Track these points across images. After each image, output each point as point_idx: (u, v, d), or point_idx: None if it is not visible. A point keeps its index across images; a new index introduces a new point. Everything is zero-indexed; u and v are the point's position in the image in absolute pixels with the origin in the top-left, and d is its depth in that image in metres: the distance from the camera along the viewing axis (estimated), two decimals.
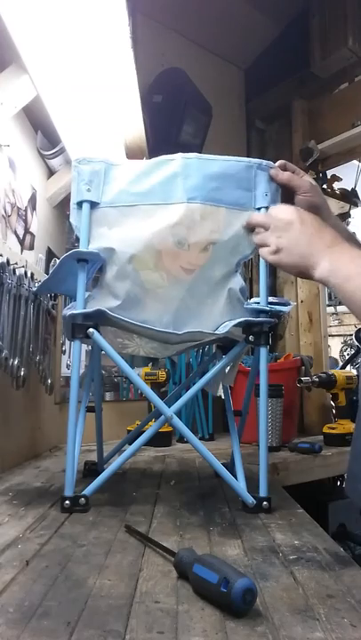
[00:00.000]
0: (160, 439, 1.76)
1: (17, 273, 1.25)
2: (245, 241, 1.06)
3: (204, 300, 1.08)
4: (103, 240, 1.02)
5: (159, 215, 1.01)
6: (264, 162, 1.03)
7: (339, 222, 1.00)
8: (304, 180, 0.96)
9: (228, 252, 1.06)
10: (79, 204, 1.02)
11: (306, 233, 0.81)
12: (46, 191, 1.67)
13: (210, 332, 1.05)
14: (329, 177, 2.53)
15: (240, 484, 0.99)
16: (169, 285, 1.05)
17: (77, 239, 1.03)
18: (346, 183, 2.65)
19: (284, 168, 1.01)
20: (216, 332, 1.05)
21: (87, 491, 0.94)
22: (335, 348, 7.02)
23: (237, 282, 1.09)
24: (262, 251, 0.87)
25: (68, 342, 1.76)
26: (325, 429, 1.98)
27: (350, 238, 0.89)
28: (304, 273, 0.81)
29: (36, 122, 1.51)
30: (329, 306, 3.81)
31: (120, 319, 0.99)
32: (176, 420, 0.98)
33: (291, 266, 0.83)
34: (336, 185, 2.58)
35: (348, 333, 6.85)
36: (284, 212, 0.86)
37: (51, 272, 1.10)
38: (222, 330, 1.03)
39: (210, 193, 1.01)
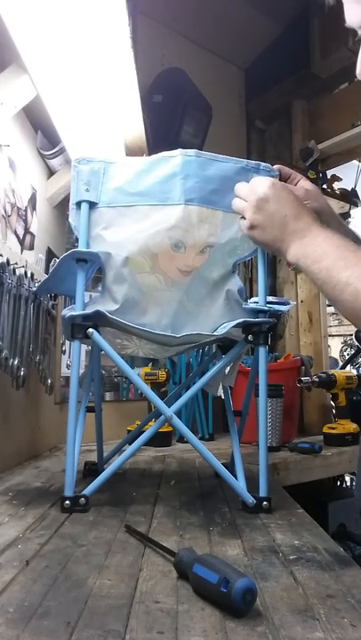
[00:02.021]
0: (160, 439, 1.76)
1: (17, 273, 1.25)
2: (243, 243, 1.06)
3: (202, 302, 1.08)
4: (101, 241, 1.02)
5: (156, 216, 1.01)
6: (262, 164, 1.03)
7: (342, 224, 0.99)
8: (299, 187, 0.94)
9: (225, 254, 1.07)
10: (78, 205, 1.03)
11: (280, 213, 0.80)
12: (46, 191, 1.67)
13: (208, 334, 1.05)
14: (329, 177, 2.53)
15: (240, 484, 0.99)
16: (166, 288, 1.05)
17: (77, 239, 1.03)
18: (346, 183, 2.65)
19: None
20: (215, 333, 1.05)
21: (87, 491, 0.94)
22: (335, 348, 7.02)
23: (235, 283, 1.09)
24: (241, 222, 0.87)
25: (68, 342, 1.75)
26: (325, 429, 1.98)
27: (356, 240, 0.87)
28: (278, 253, 0.81)
29: (36, 122, 1.51)
30: (329, 306, 3.81)
31: (118, 321, 0.99)
32: (176, 420, 0.98)
33: (264, 244, 0.83)
34: (336, 185, 2.58)
35: (348, 333, 6.86)
36: (261, 186, 0.84)
37: (50, 272, 1.10)
38: (221, 331, 1.03)
39: (208, 195, 1.02)
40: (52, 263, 1.66)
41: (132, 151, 1.57)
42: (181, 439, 1.85)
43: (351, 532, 1.86)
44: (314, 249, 0.74)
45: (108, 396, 2.01)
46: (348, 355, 6.13)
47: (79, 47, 1.14)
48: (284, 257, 0.79)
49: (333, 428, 1.95)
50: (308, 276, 0.75)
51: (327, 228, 0.77)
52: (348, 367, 2.87)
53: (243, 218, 0.87)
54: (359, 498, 0.81)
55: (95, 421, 1.23)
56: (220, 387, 1.25)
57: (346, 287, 0.67)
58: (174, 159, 1.02)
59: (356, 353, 3.20)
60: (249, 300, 1.15)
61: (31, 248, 1.52)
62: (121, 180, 1.03)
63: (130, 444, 1.01)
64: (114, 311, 1.00)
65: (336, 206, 2.61)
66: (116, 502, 1.01)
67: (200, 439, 1.87)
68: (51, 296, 1.55)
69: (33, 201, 1.53)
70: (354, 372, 2.38)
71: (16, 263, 1.26)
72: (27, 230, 1.48)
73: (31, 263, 1.43)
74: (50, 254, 1.69)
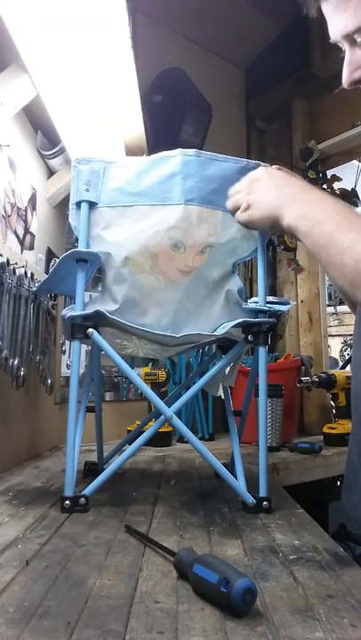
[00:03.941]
0: (160, 439, 1.76)
1: (17, 273, 1.25)
2: (243, 243, 1.06)
3: (201, 302, 1.08)
4: (101, 241, 1.02)
5: (156, 216, 1.01)
6: (261, 164, 1.03)
7: None
8: None
9: (225, 254, 1.07)
10: (78, 205, 1.03)
11: (273, 184, 0.82)
12: (46, 191, 1.67)
13: (208, 334, 1.05)
14: (329, 177, 2.53)
15: (240, 484, 0.99)
16: (166, 288, 1.05)
17: (77, 239, 1.03)
18: (346, 183, 2.65)
19: None
20: (215, 333, 1.05)
21: (87, 491, 0.94)
22: (335, 348, 7.01)
23: (235, 283, 1.09)
24: (236, 214, 0.89)
25: (68, 342, 1.75)
26: (325, 429, 1.98)
27: None
28: (275, 225, 0.81)
29: (36, 122, 1.51)
30: (329, 306, 3.81)
31: (118, 321, 0.99)
32: (176, 420, 0.98)
33: (261, 219, 0.83)
34: (336, 185, 2.58)
35: (348, 333, 6.85)
36: (253, 172, 0.88)
37: (50, 272, 1.10)
38: (221, 331, 1.03)
39: (208, 195, 1.02)
40: (52, 263, 1.66)
41: (132, 151, 1.57)
42: (181, 439, 1.85)
43: (351, 531, 1.86)
44: (317, 212, 0.72)
45: (108, 395, 2.01)
46: (348, 355, 6.12)
47: (79, 47, 1.14)
48: (281, 224, 0.78)
49: (333, 428, 1.95)
50: (305, 240, 0.73)
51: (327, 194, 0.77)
52: (348, 367, 2.86)
53: (235, 210, 0.89)
54: (345, 503, 0.80)
55: (95, 421, 1.23)
56: (221, 387, 1.25)
57: (348, 251, 0.65)
58: (174, 159, 1.02)
59: None
60: (249, 300, 1.15)
61: (31, 248, 1.52)
62: (121, 180, 1.03)
63: (130, 444, 1.01)
64: (114, 311, 1.00)
65: None
66: (116, 502, 1.01)
67: (200, 439, 1.87)
68: (51, 296, 1.55)
69: (33, 201, 1.53)
70: None
71: (16, 263, 1.26)
72: (27, 230, 1.48)
73: (31, 263, 1.43)
74: (50, 254, 1.69)
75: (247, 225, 0.90)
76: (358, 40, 0.68)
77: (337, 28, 0.69)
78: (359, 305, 0.72)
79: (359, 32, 0.67)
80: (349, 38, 0.69)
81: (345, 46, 0.71)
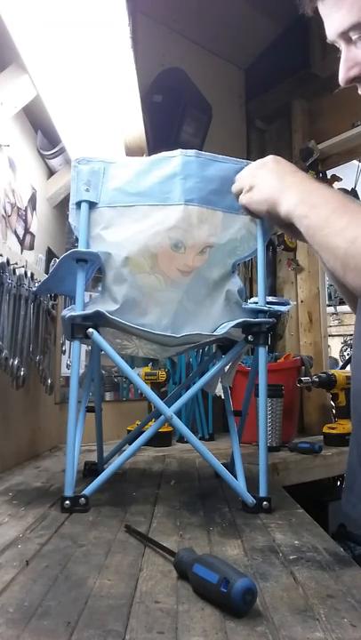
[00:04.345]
0: (160, 439, 1.76)
1: (17, 273, 1.25)
2: (243, 243, 1.06)
3: (202, 302, 1.08)
4: (101, 241, 1.02)
5: (156, 217, 1.01)
6: None
7: None
8: None
9: (225, 254, 1.07)
10: (78, 205, 1.03)
11: (278, 170, 0.84)
12: (46, 191, 1.67)
13: (208, 334, 1.05)
14: (329, 177, 2.53)
15: (240, 484, 0.99)
16: (166, 288, 1.05)
17: (77, 239, 1.03)
18: (346, 183, 2.65)
19: None
20: (215, 333, 1.05)
21: (87, 491, 0.94)
22: (335, 348, 7.01)
23: (235, 283, 1.09)
24: (240, 197, 0.92)
25: (68, 342, 1.76)
26: (325, 429, 1.98)
27: None
28: (272, 210, 0.82)
29: (36, 122, 1.51)
30: (329, 306, 3.82)
31: (118, 321, 0.99)
32: (176, 420, 0.98)
33: (260, 202, 0.85)
34: (336, 185, 2.58)
35: (348, 333, 6.85)
36: (261, 159, 0.90)
37: (50, 272, 1.10)
38: (221, 331, 1.03)
39: (208, 196, 1.02)
40: (52, 263, 1.66)
41: (132, 151, 1.57)
42: (181, 439, 1.85)
43: (351, 531, 1.86)
44: (314, 197, 0.74)
45: (108, 395, 2.01)
46: (348, 355, 6.12)
47: (79, 47, 1.14)
48: (279, 209, 0.79)
49: (333, 428, 1.95)
50: (300, 224, 0.75)
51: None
52: (348, 367, 2.86)
53: (238, 194, 0.91)
54: (345, 502, 0.80)
55: (95, 421, 1.23)
56: (219, 386, 1.25)
57: (341, 233, 0.66)
58: (174, 159, 1.02)
59: None
60: (249, 300, 1.15)
61: (31, 248, 1.52)
62: (121, 180, 1.03)
63: (130, 444, 1.01)
64: (114, 311, 1.00)
65: None
66: (116, 502, 1.01)
67: (200, 439, 1.87)
68: (51, 296, 1.55)
69: (33, 201, 1.53)
70: None
71: (16, 263, 1.26)
72: (27, 230, 1.48)
73: (31, 263, 1.43)
74: (50, 254, 1.69)
75: (247, 208, 0.92)
76: (354, 38, 0.69)
77: (333, 26, 0.70)
78: (359, 303, 0.72)
79: (354, 29, 0.68)
80: (345, 36, 0.70)
81: (341, 45, 0.71)
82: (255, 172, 0.89)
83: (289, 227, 0.81)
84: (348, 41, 0.70)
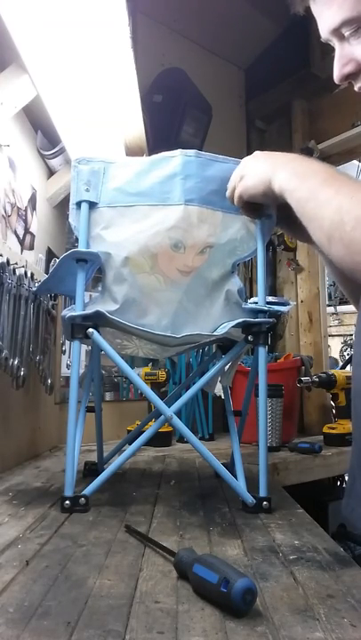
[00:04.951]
0: (160, 439, 1.76)
1: (17, 273, 1.25)
2: (242, 244, 1.06)
3: (201, 302, 1.08)
4: (101, 241, 1.02)
5: (156, 217, 1.01)
6: None
7: None
8: None
9: (225, 254, 1.07)
10: (78, 205, 1.03)
11: (266, 155, 0.85)
12: (46, 191, 1.67)
13: (208, 334, 1.05)
14: None
15: (240, 484, 0.99)
16: (166, 288, 1.05)
17: (77, 239, 1.03)
18: None
19: None
20: (215, 333, 1.05)
21: (87, 491, 0.94)
22: (335, 347, 7.01)
23: (235, 283, 1.09)
24: (235, 193, 0.91)
25: (68, 342, 1.76)
26: (325, 429, 1.98)
27: None
28: (267, 191, 0.82)
29: (36, 122, 1.51)
30: (329, 306, 3.81)
31: (118, 322, 0.99)
32: (176, 420, 0.98)
33: (255, 186, 0.85)
34: None
35: (348, 333, 6.85)
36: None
37: (50, 272, 1.10)
38: (220, 331, 1.03)
39: (208, 196, 1.02)
40: (52, 263, 1.66)
41: (132, 151, 1.57)
42: (181, 439, 1.85)
43: (351, 531, 1.86)
44: (305, 169, 0.74)
45: (108, 395, 2.01)
46: (348, 355, 6.12)
47: (79, 47, 1.14)
48: (273, 187, 0.79)
49: (333, 428, 1.95)
50: (291, 198, 0.74)
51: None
52: (348, 367, 2.86)
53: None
54: (345, 505, 0.80)
55: (95, 421, 1.23)
56: (219, 386, 1.25)
57: (328, 204, 0.65)
58: (174, 159, 1.02)
59: None
60: (249, 300, 1.15)
61: (31, 248, 1.52)
62: (121, 180, 1.03)
63: (130, 444, 1.01)
64: (114, 311, 1.00)
65: None
66: (116, 502, 1.01)
67: (200, 439, 1.87)
68: (51, 296, 1.55)
69: (33, 201, 1.53)
70: None
71: (16, 263, 1.26)
72: (27, 230, 1.48)
73: (31, 263, 1.43)
74: (50, 254, 1.69)
75: (245, 205, 0.92)
76: (346, 34, 0.69)
77: (325, 24, 0.70)
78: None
79: (346, 25, 0.68)
80: (337, 33, 0.70)
81: (335, 43, 0.71)
82: (243, 164, 0.90)
83: (287, 223, 0.81)
84: (341, 38, 0.70)
